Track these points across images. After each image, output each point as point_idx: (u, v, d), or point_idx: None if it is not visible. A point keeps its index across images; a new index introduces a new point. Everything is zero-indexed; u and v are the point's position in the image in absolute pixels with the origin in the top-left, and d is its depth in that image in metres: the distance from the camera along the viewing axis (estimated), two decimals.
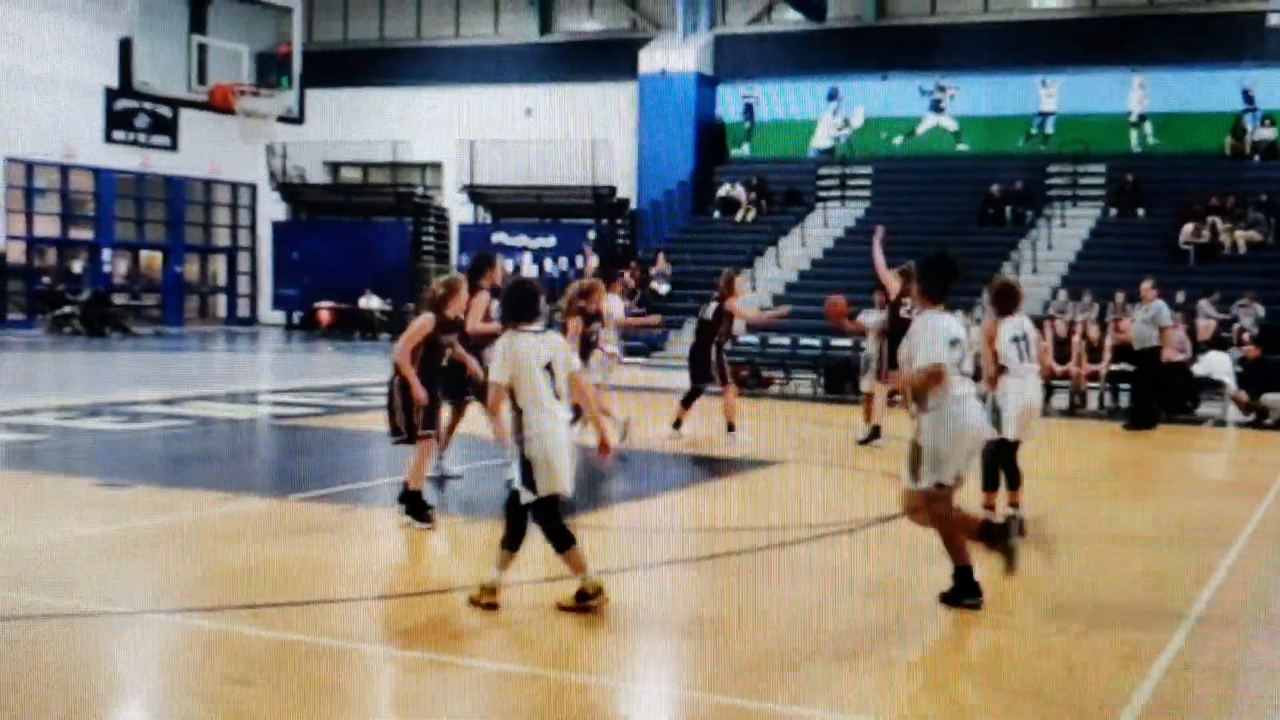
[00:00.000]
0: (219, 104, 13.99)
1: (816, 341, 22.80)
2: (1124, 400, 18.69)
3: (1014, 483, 9.06)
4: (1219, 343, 20.15)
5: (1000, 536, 7.08)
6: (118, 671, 5.94)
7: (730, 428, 13.86)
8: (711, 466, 12.75)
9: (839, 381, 20.90)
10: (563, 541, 6.80)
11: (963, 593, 7.01)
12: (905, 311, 12.85)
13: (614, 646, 6.52)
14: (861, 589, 7.63)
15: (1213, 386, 18.75)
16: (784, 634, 6.54)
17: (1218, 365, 18.81)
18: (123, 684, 5.75)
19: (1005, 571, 7.00)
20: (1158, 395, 17.27)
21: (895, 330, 12.76)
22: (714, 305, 14.17)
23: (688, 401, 14.00)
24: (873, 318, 15.01)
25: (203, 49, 13.59)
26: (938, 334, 7.09)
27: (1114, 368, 18.97)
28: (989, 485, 8.92)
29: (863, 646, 6.40)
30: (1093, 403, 19.27)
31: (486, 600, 6.74)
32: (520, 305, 6.99)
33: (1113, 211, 29.42)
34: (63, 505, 9.52)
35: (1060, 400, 19.38)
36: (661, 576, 7.97)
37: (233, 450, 13.47)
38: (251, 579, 7.47)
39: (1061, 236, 28.48)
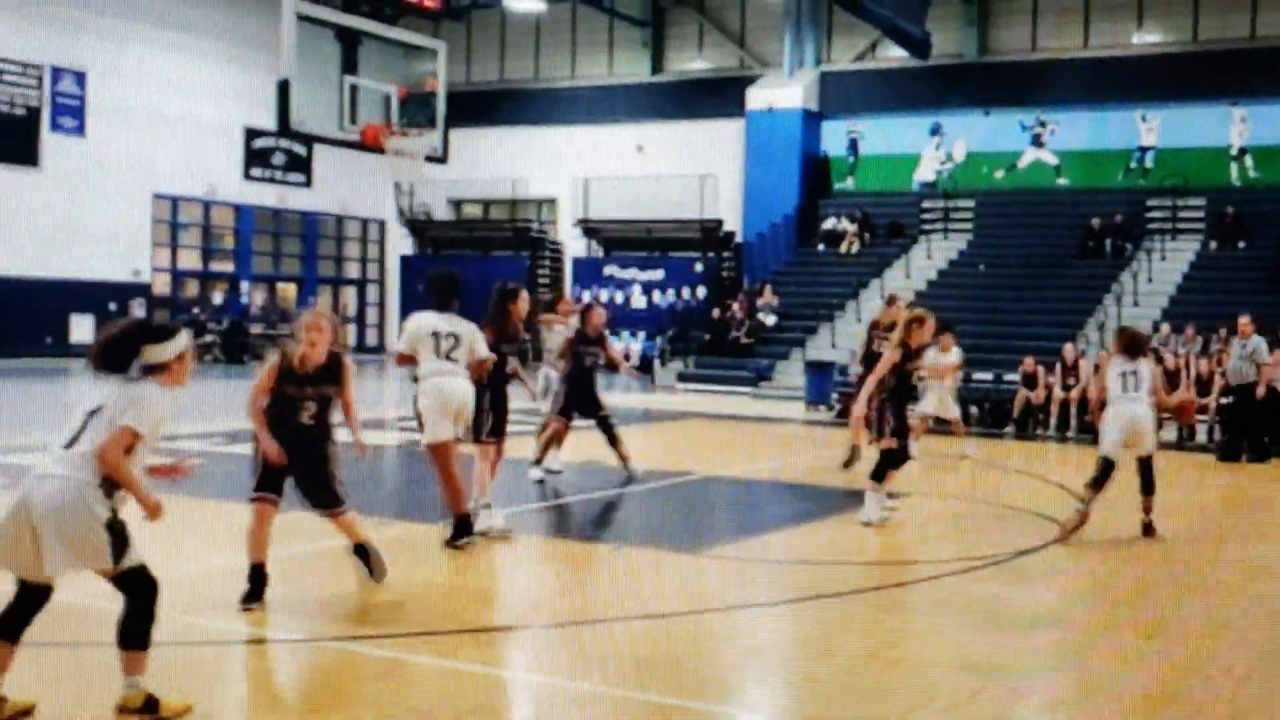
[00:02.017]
0: (369, 143, 14.12)
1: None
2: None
3: (1148, 489, 10.14)
4: None
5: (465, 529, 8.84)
6: (301, 699, 5.92)
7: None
8: (831, 499, 12.52)
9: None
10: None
11: (459, 534, 8.75)
12: (877, 346, 12.88)
13: (774, 680, 6.38)
14: (1018, 623, 7.38)
15: None
16: (944, 671, 6.34)
17: None
18: (308, 712, 5.71)
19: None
20: (1253, 429, 16.82)
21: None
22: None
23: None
24: (942, 359, 15.22)
25: (352, 89, 13.73)
26: (416, 328, 8.97)
27: (1224, 401, 18.40)
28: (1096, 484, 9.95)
29: (1030, 685, 6.18)
30: (1200, 435, 18.72)
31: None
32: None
33: (1213, 245, 28.66)
34: (225, 530, 9.58)
35: (1169, 433, 18.84)
36: (809, 610, 7.78)
37: (375, 476, 13.53)
38: (418, 605, 7.44)
39: (1161, 270, 27.79)
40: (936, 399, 15.67)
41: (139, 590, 5.26)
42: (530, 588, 8.34)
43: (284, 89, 12.85)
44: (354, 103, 13.70)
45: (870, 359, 13.58)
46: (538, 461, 12.51)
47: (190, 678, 6.06)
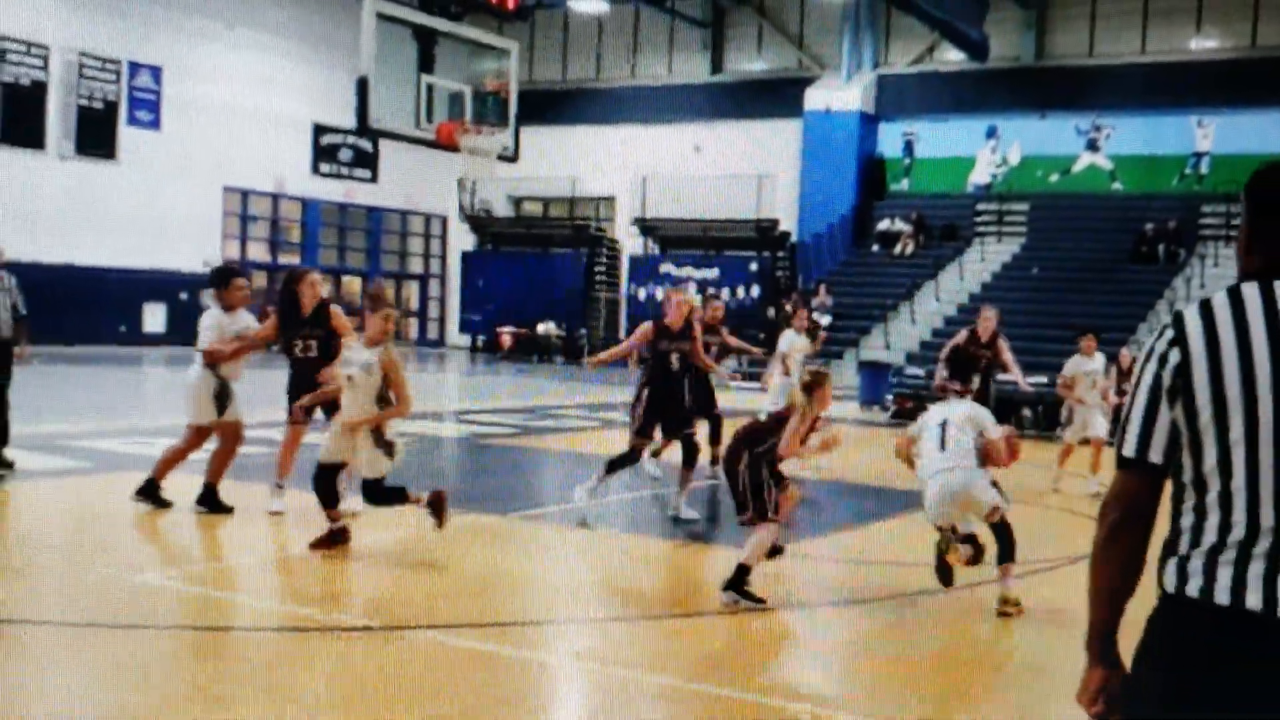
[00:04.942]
0: (444, 141, 14.22)
1: None
2: None
3: None
4: None
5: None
6: (394, 686, 6.02)
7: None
8: (889, 500, 12.51)
9: (1003, 416, 20.41)
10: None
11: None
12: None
13: (843, 679, 6.42)
14: (1079, 627, 7.36)
15: None
16: (1008, 674, 6.36)
17: None
18: (401, 699, 5.82)
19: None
20: None
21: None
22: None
23: None
24: (1087, 366, 13.66)
25: (428, 88, 13.82)
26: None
27: None
28: None
29: None
30: None
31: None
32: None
33: None
34: (300, 519, 9.73)
35: None
36: (872, 610, 7.81)
37: (446, 467, 13.68)
38: (496, 596, 7.54)
39: (1215, 276, 27.44)
40: (1084, 419, 13.44)
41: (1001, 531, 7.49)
42: (601, 581, 8.41)
43: (363, 86, 12.95)
44: (430, 101, 13.80)
45: (957, 364, 13.15)
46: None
47: (277, 664, 6.19)
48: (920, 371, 23.00)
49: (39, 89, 28.95)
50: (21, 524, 9.65)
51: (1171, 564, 2.46)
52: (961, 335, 13.61)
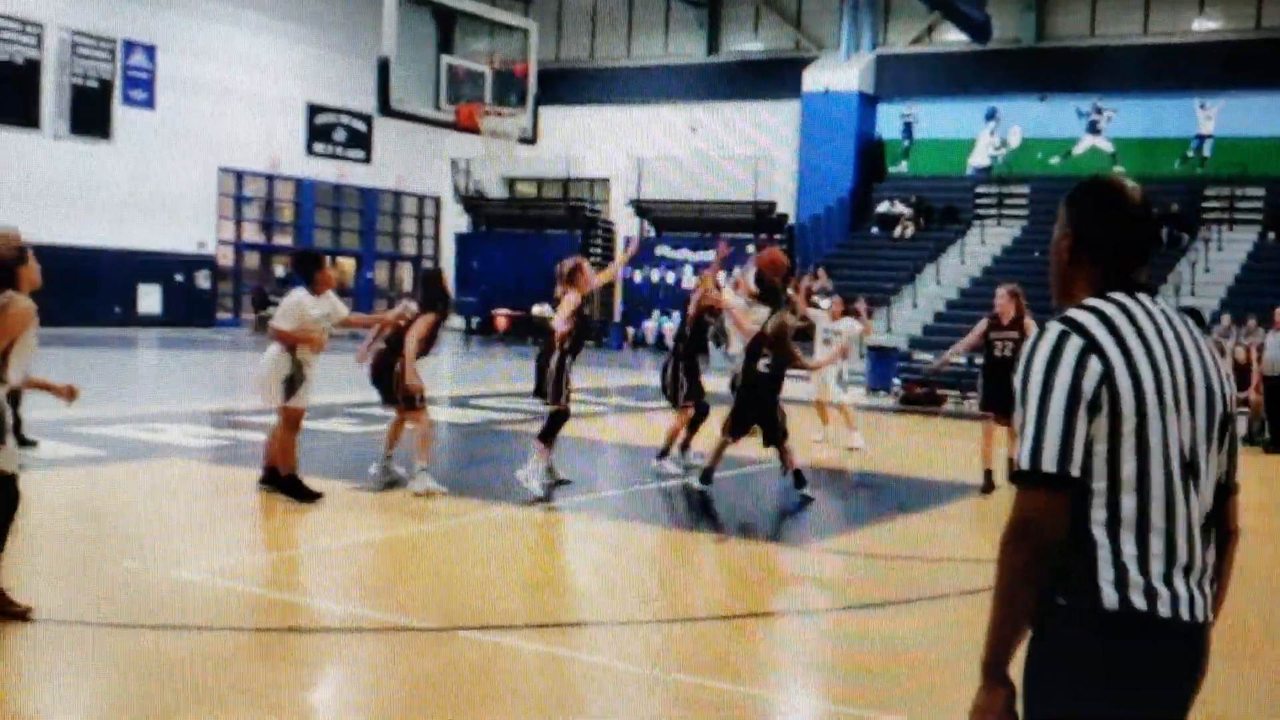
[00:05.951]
0: (464, 123, 13.93)
1: None
2: None
3: None
4: None
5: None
6: (454, 690, 5.81)
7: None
8: (920, 491, 12.34)
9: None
10: None
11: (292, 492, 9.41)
12: (1001, 350, 11.52)
13: (902, 681, 6.24)
14: None
15: None
16: None
17: None
18: (463, 704, 5.62)
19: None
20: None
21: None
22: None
23: None
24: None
25: (450, 69, 13.50)
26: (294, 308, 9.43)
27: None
28: None
29: None
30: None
31: None
32: None
33: (1271, 235, 28.20)
34: (331, 510, 9.52)
35: (1238, 427, 18.47)
36: (933, 609, 7.64)
37: (464, 455, 13.47)
38: (545, 594, 7.33)
39: (1218, 260, 27.36)
40: None
41: None
42: (652, 579, 8.19)
43: (384, 67, 12.65)
44: (451, 82, 13.50)
45: (994, 364, 11.64)
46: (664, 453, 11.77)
47: (341, 665, 5.97)
48: (929, 356, 22.82)
49: (33, 67, 28.52)
50: (44, 516, 9.38)
51: (1098, 579, 2.36)
52: (982, 324, 12.59)
